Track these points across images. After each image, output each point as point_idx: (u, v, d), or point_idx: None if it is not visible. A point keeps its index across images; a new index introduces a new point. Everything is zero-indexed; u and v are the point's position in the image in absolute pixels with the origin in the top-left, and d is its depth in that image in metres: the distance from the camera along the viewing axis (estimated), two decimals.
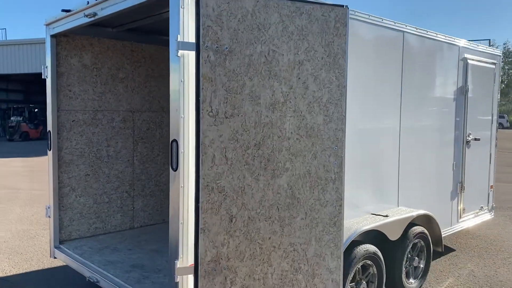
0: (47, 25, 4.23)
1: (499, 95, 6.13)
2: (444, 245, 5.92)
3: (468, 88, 5.38)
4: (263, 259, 2.92)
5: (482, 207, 5.91)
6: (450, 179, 5.29)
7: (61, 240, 4.44)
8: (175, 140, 2.77)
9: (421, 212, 4.41)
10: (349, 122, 3.87)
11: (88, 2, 3.55)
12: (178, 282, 2.79)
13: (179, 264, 2.79)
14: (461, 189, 5.45)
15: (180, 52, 2.68)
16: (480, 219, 5.94)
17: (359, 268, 3.76)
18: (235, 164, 2.79)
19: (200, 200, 2.70)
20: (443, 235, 5.23)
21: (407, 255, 4.31)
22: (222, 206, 2.77)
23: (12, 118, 28.35)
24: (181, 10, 2.69)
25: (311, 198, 3.04)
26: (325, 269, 3.12)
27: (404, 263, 4.21)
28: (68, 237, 4.50)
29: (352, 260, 3.61)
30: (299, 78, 2.94)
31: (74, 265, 4.03)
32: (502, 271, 5.08)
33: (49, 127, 4.33)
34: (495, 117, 6.06)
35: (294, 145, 2.96)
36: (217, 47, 2.67)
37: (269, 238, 2.93)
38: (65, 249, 4.26)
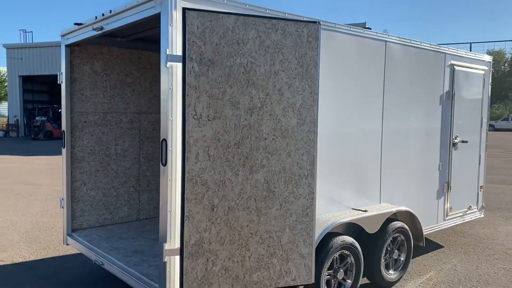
0: (62, 36, 4.74)
1: (489, 100, 6.39)
2: (433, 242, 6.25)
3: (454, 93, 5.68)
4: (241, 244, 3.33)
5: (470, 206, 6.19)
6: (436, 179, 5.60)
7: (73, 229, 4.93)
8: (164, 139, 3.21)
9: (400, 208, 4.76)
10: (331, 123, 4.26)
11: (96, 17, 4.03)
12: (166, 262, 3.23)
13: (167, 246, 3.22)
14: (448, 189, 5.75)
15: (169, 63, 3.12)
16: (469, 218, 6.23)
17: (336, 257, 4.13)
18: (216, 160, 3.21)
19: (186, 191, 3.13)
20: (429, 232, 5.59)
21: (387, 248, 4.67)
22: (205, 197, 3.19)
23: (37, 118, 29.36)
24: (169, 27, 3.13)
25: (286, 192, 3.44)
26: (298, 254, 3.51)
27: (383, 255, 4.56)
28: (80, 226, 4.99)
29: (329, 250, 3.99)
30: (275, 86, 3.34)
31: (83, 250, 4.52)
32: (484, 266, 5.38)
33: (63, 127, 4.83)
34: (485, 121, 6.33)
35: (270, 145, 3.37)
36: (200, 59, 3.10)
37: (247, 225, 3.34)
38: (76, 236, 4.76)
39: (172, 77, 3.15)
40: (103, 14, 3.91)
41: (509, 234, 6.78)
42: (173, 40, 3.14)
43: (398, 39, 4.88)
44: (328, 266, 4.04)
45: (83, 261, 5.31)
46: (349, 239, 4.17)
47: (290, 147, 3.44)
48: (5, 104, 36.43)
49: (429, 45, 5.32)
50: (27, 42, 32.95)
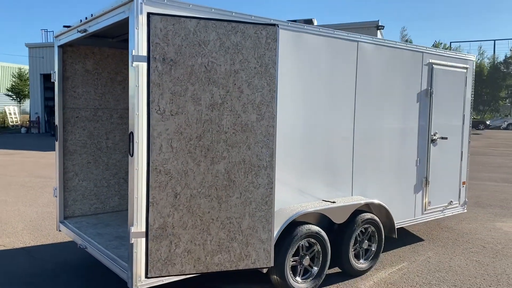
0: (56, 37, 5.11)
1: (472, 97, 6.54)
2: (414, 235, 6.44)
3: (433, 91, 5.87)
4: (203, 229, 3.63)
5: (451, 201, 6.36)
6: (413, 174, 5.80)
7: (65, 216, 5.32)
8: (131, 132, 3.53)
9: (369, 200, 4.99)
10: (302, 120, 4.52)
11: (81, 20, 4.38)
12: (133, 243, 3.56)
13: (133, 229, 3.55)
14: (426, 184, 5.94)
15: (135, 63, 3.44)
16: (450, 213, 6.40)
17: (302, 244, 4.40)
18: (179, 152, 3.51)
19: (150, 180, 3.45)
20: (406, 225, 5.81)
21: (356, 238, 4.91)
22: (168, 185, 3.50)
23: None
24: (136, 30, 3.44)
25: (246, 181, 3.72)
26: (257, 239, 3.79)
27: (351, 244, 4.81)
28: (72, 214, 5.37)
29: (293, 237, 4.26)
30: (235, 84, 3.63)
31: (72, 235, 4.90)
32: (457, 258, 5.56)
33: (57, 122, 5.21)
34: (467, 118, 6.48)
35: (231, 138, 3.66)
36: (163, 59, 3.41)
37: (208, 212, 3.64)
38: (67, 223, 5.14)
39: (138, 76, 3.47)
40: (86, 18, 4.26)
41: (493, 230, 6.92)
42: (139, 42, 3.46)
43: (371, 39, 5.10)
44: (293, 253, 4.31)
45: (77, 248, 5.69)
46: (314, 228, 4.43)
47: (249, 141, 3.72)
48: (28, 102, 37.55)
49: (405, 45, 5.52)
50: (48, 41, 33.86)
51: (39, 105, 31.19)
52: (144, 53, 3.46)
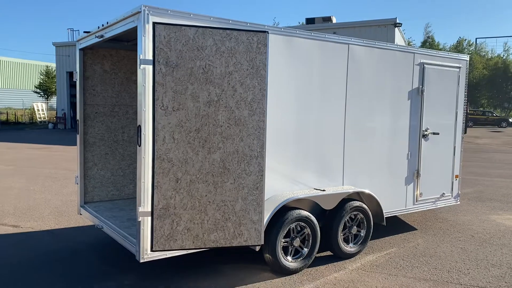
0: (77, 41, 5.72)
1: (466, 95, 6.89)
2: (407, 224, 6.86)
3: (424, 89, 6.26)
4: (201, 210, 4.17)
5: (443, 193, 6.74)
6: (404, 167, 6.22)
7: (85, 202, 5.94)
8: (139, 126, 4.08)
9: (357, 190, 5.44)
10: (295, 114, 5.01)
11: (98, 27, 4.96)
12: (140, 221, 4.12)
13: (141, 209, 4.11)
14: (417, 176, 6.35)
15: (142, 66, 3.99)
16: (443, 204, 6.79)
17: (293, 227, 4.89)
18: (180, 143, 4.05)
19: (155, 166, 4.00)
20: (398, 214, 6.24)
21: (345, 224, 5.37)
22: (170, 171, 4.05)
23: None
24: (143, 37, 3.99)
25: (239, 169, 4.24)
26: (249, 220, 4.31)
27: (340, 229, 5.27)
28: (91, 200, 5.99)
29: (284, 220, 4.76)
30: (229, 83, 4.14)
31: (90, 218, 5.51)
32: (444, 246, 5.96)
33: (78, 117, 5.82)
34: (460, 115, 6.84)
35: (225, 131, 4.18)
36: (167, 62, 3.95)
37: (206, 195, 4.18)
38: (87, 207, 5.75)
39: (145, 77, 4.02)
40: (102, 25, 4.83)
41: (486, 221, 7.26)
42: (145, 47, 4.01)
43: (361, 41, 5.54)
44: (284, 235, 4.81)
45: (96, 230, 6.32)
46: (304, 213, 4.92)
47: (242, 133, 4.23)
48: (55, 98, 38.89)
49: (395, 46, 5.93)
50: (74, 40, 35.05)
51: (65, 101, 32.34)
52: (150, 57, 4.00)
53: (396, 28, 24.24)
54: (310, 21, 27.10)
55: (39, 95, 43.48)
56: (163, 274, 4.84)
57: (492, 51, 66.80)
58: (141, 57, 3.99)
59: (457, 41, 62.25)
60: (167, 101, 3.97)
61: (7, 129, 30.95)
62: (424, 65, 6.25)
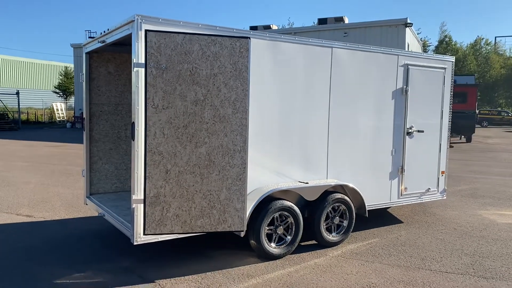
0: (84, 45, 6.24)
1: (451, 94, 7.21)
2: (395, 218, 7.22)
3: (408, 89, 6.62)
4: (188, 198, 4.63)
5: (429, 188, 7.07)
6: (389, 163, 6.59)
7: (91, 193, 6.46)
8: (133, 122, 4.56)
9: (339, 183, 5.84)
10: (279, 113, 5.43)
11: (101, 33, 5.46)
12: (134, 208, 4.60)
13: (134, 197, 4.59)
14: (402, 172, 6.71)
15: (135, 69, 4.47)
16: (428, 199, 7.12)
17: (277, 216, 5.31)
18: (169, 137, 4.52)
19: (146, 159, 4.47)
20: (382, 207, 6.62)
21: (328, 214, 5.77)
22: (161, 163, 4.51)
23: None
24: (136, 43, 4.47)
25: (223, 162, 4.69)
26: (233, 208, 4.75)
27: (323, 219, 5.68)
28: (96, 191, 6.51)
29: (268, 209, 5.18)
30: (214, 84, 4.59)
31: (94, 207, 6.02)
32: (425, 237, 6.31)
33: (84, 115, 6.34)
34: (446, 114, 7.17)
35: (211, 127, 4.63)
36: (157, 65, 4.42)
37: (193, 185, 4.63)
38: (92, 198, 6.27)
39: (138, 78, 4.50)
40: (104, 31, 5.34)
41: (473, 216, 7.57)
42: (138, 52, 4.48)
43: (345, 45, 5.94)
44: (268, 223, 5.24)
45: (101, 219, 6.84)
46: (287, 203, 5.34)
47: (226, 129, 4.68)
48: (73, 98, 39.94)
49: (379, 49, 6.31)
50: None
51: (82, 101, 33.25)
52: (143, 60, 4.47)
53: (408, 28, 24.39)
54: (322, 21, 27.41)
55: (58, 95, 44.67)
56: (157, 258, 5.32)
57: (510, 50, 65.86)
58: (134, 61, 4.47)
59: (475, 40, 61.68)
60: (157, 100, 4.44)
61: (27, 128, 31.99)
62: (408, 66, 6.60)
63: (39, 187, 9.73)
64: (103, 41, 5.43)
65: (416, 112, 6.79)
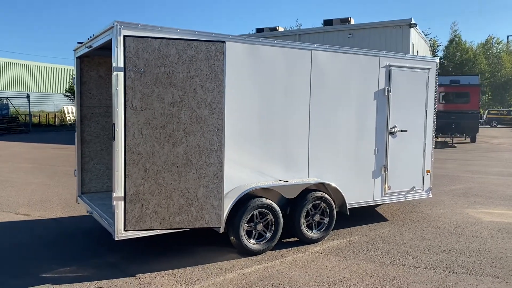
0: (74, 50, 6.50)
1: (435, 94, 7.33)
2: (381, 215, 7.35)
3: (390, 89, 6.76)
4: (167, 196, 4.84)
5: (414, 187, 7.20)
6: (371, 162, 6.73)
7: (83, 192, 6.71)
8: (114, 123, 4.79)
9: (319, 181, 6.00)
10: (259, 114, 5.62)
11: (88, 38, 5.71)
12: (115, 205, 4.82)
13: (115, 194, 4.81)
14: (385, 170, 6.85)
15: (115, 72, 4.69)
16: (413, 197, 7.25)
17: (256, 213, 5.50)
18: (148, 138, 4.73)
19: (126, 158, 4.69)
20: (365, 205, 6.76)
21: (308, 212, 5.94)
22: (139, 162, 4.73)
23: None
24: (116, 48, 4.69)
25: (200, 161, 4.89)
26: (210, 205, 4.95)
27: (303, 216, 5.84)
28: (88, 191, 6.76)
29: (247, 207, 5.37)
30: (191, 86, 4.80)
31: (84, 205, 6.26)
32: (406, 234, 6.44)
33: (76, 117, 6.59)
34: (430, 114, 7.28)
35: (188, 128, 4.84)
36: (135, 69, 4.64)
37: (171, 183, 4.84)
38: (83, 197, 6.52)
39: (117, 81, 4.72)
40: (90, 37, 5.58)
41: (459, 214, 7.67)
42: (118, 56, 4.71)
43: (325, 47, 6.10)
44: (247, 220, 5.43)
45: (94, 218, 7.08)
46: (267, 201, 5.52)
47: (203, 130, 4.88)
48: None
49: (360, 51, 6.46)
50: None
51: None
52: (121, 64, 4.70)
53: (413, 28, 24.40)
54: (328, 22, 27.56)
55: (69, 98, 45.33)
56: (143, 253, 5.54)
57: None
58: (114, 65, 4.69)
59: (486, 40, 61.19)
60: (136, 102, 4.66)
61: (37, 131, 32.58)
62: (391, 67, 6.75)
63: (40, 187, 10.04)
64: (90, 46, 5.68)
65: (399, 112, 6.92)
